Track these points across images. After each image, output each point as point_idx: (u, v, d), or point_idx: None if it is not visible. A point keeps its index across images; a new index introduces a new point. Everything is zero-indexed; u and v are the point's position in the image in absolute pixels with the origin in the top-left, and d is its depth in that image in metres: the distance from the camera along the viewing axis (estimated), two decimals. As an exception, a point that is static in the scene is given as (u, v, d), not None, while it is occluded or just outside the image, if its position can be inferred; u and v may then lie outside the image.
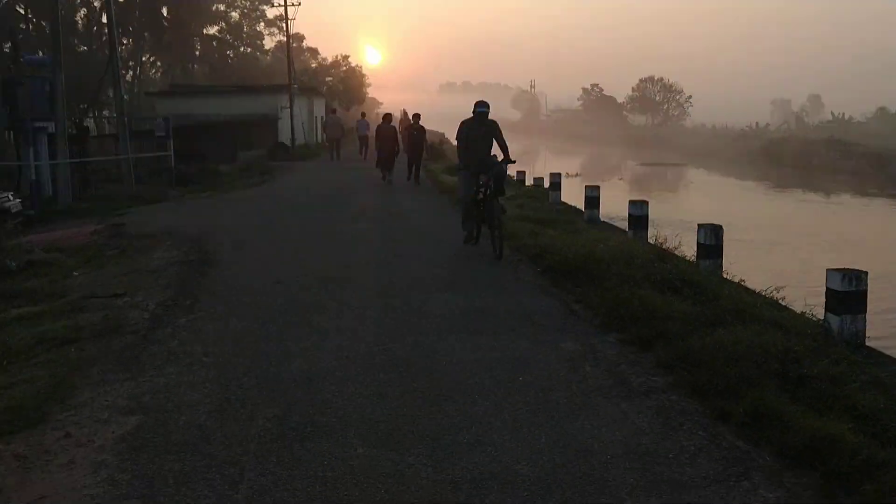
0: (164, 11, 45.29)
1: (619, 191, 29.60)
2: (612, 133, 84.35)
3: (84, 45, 43.44)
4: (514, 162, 10.59)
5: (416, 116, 20.20)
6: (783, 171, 46.50)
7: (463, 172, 10.19)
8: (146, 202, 18.44)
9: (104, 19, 47.19)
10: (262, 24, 71.14)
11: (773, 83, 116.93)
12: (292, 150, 31.07)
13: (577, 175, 38.96)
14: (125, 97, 23.78)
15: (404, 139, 20.99)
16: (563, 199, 16.93)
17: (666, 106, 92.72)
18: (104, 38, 46.70)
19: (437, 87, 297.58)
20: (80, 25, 40.06)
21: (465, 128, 9.86)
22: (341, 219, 13.82)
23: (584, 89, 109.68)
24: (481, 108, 9.74)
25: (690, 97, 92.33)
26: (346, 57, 66.26)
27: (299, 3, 33.25)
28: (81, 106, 26.38)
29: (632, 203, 11.10)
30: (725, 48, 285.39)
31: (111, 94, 28.17)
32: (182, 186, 21.54)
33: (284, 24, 34.11)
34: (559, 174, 17.62)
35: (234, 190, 20.29)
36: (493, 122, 10.01)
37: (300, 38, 73.58)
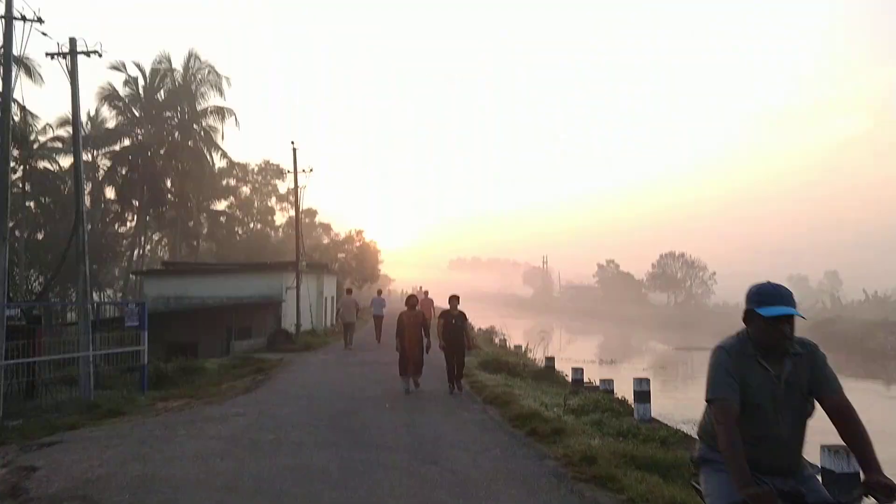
0: (169, 184, 43.05)
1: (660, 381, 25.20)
2: (631, 311, 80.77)
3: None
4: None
5: (454, 299, 15.82)
6: (838, 357, 42.21)
7: None
8: (102, 415, 13.96)
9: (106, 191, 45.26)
10: (274, 198, 70.21)
11: (789, 259, 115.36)
12: (296, 339, 26.90)
13: (611, 361, 34.78)
14: (130, 277, 20.06)
15: (439, 330, 16.12)
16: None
17: (689, 283, 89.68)
18: (102, 209, 44.80)
19: (448, 263, 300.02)
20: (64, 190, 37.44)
21: None
22: (350, 470, 9.06)
23: (600, 265, 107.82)
24: None
25: (714, 273, 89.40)
26: (360, 232, 64.20)
27: (311, 170, 30.77)
28: (44, 282, 22.65)
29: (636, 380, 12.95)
30: (739, 222, 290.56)
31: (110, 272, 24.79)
32: (156, 390, 17.20)
33: (294, 191, 31.36)
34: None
35: (214, 399, 15.77)
36: None
37: (312, 213, 72.31)
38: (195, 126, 44.91)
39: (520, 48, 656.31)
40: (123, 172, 41.86)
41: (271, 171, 69.90)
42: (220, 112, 46.22)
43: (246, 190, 69.51)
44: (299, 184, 30.47)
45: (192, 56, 44.90)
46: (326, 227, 71.98)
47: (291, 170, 31.56)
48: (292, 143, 29.93)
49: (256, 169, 69.28)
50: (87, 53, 15.26)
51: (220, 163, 48.73)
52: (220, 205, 59.77)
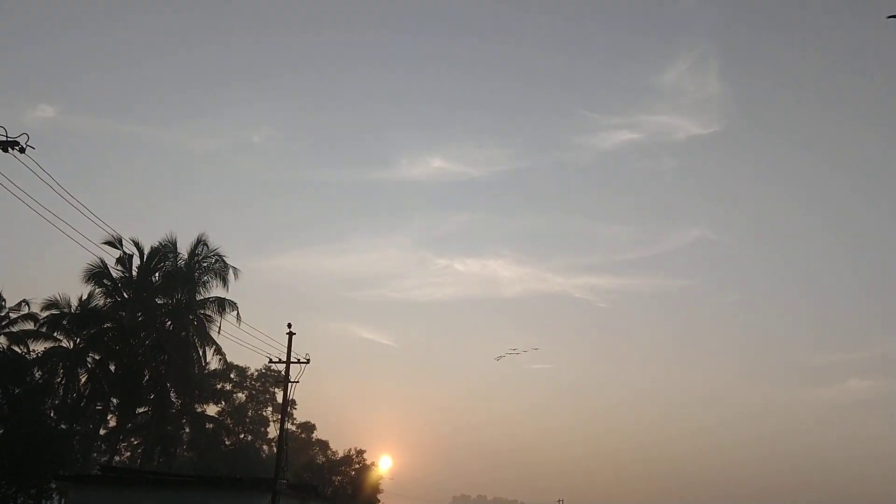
0: (149, 378, 37.55)
1: None
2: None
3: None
4: None
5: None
6: None
7: None
8: None
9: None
10: (271, 408, 63.90)
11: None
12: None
13: None
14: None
15: None
16: None
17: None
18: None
19: (451, 499, 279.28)
20: None
21: None
22: None
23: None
24: None
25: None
26: (361, 451, 56.92)
27: (308, 360, 25.58)
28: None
29: None
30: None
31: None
32: None
33: (284, 386, 25.89)
34: None
35: None
36: None
37: (309, 427, 65.51)
38: (190, 316, 40.46)
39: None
40: (98, 359, 36.70)
41: (272, 377, 64.43)
42: (221, 304, 41.99)
43: (241, 396, 63.58)
44: (292, 378, 25.14)
45: (199, 242, 41.70)
46: (324, 445, 64.72)
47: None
48: (289, 325, 25.21)
49: (256, 374, 63.98)
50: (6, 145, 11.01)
51: (213, 361, 43.52)
52: (209, 409, 53.62)
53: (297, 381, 24.83)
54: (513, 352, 59.55)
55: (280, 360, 25.49)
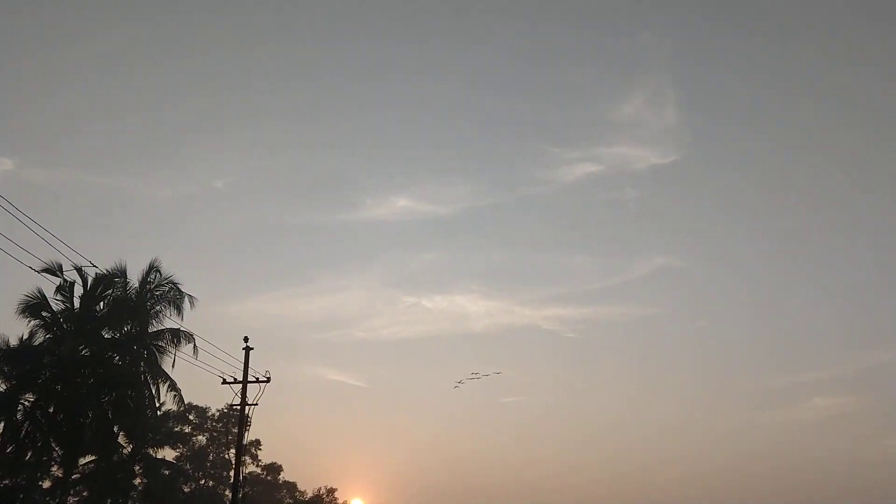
0: (92, 416, 33.44)
1: None
2: None
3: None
4: None
5: None
6: None
7: None
8: None
9: None
10: (233, 450, 59.53)
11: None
12: None
13: None
14: None
15: None
16: None
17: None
18: None
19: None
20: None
21: None
22: None
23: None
24: None
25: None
26: (331, 490, 52.86)
27: (268, 379, 22.29)
28: None
29: None
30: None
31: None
32: None
33: (241, 408, 22.51)
34: None
35: None
36: None
37: (276, 469, 61.19)
38: (141, 349, 36.62)
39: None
40: (34, 401, 32.58)
41: (235, 416, 60.19)
42: (176, 335, 38.21)
43: (202, 439, 59.13)
44: (250, 399, 21.72)
45: (152, 268, 38.01)
46: (291, 486, 60.43)
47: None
48: (245, 339, 21.90)
49: (217, 414, 59.66)
50: None
51: (168, 399, 39.54)
52: (166, 454, 49.23)
53: (256, 404, 21.46)
54: (474, 376, 56.29)
55: (235, 379, 22.12)
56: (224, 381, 22.51)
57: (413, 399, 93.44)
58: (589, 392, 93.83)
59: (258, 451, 59.68)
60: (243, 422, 22.21)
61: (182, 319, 39.29)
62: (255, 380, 21.76)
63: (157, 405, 40.61)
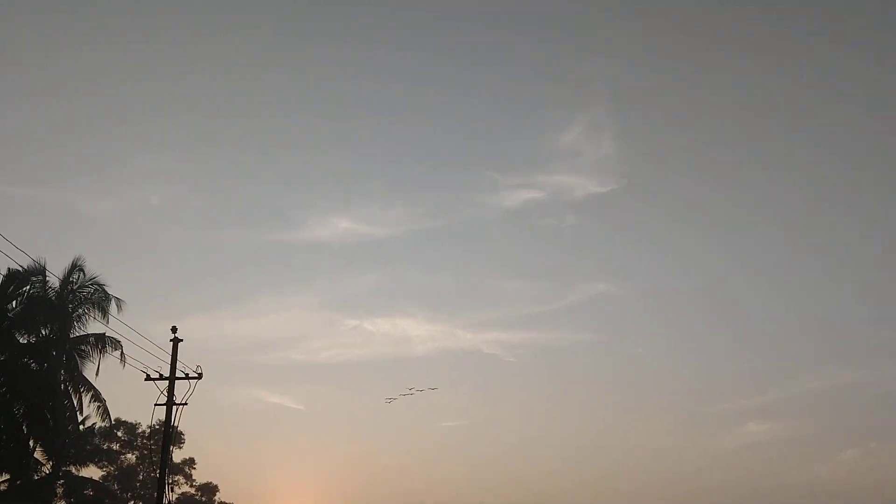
0: (4, 429, 30.03)
1: None
2: None
3: None
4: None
5: None
6: None
7: None
8: None
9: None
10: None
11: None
12: None
13: None
14: None
15: None
16: None
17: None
18: None
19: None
20: None
21: None
22: None
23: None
24: None
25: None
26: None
27: (199, 376, 19.83)
28: None
29: None
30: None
31: None
32: None
33: (167, 408, 19.89)
34: None
35: None
36: None
37: (212, 488, 57.56)
38: (59, 354, 33.45)
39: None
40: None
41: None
42: (101, 340, 35.16)
43: (131, 457, 55.21)
44: (178, 400, 19.25)
45: (74, 267, 34.90)
46: None
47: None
48: (173, 329, 19.46)
49: (148, 431, 55.83)
50: None
51: (91, 410, 36.28)
52: (91, 472, 45.34)
53: (185, 403, 19.03)
54: (409, 392, 54.05)
55: (161, 375, 19.64)
56: (148, 378, 19.86)
57: (352, 422, 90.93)
58: (527, 416, 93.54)
59: (192, 471, 56.05)
60: (169, 422, 19.66)
61: (108, 324, 36.30)
62: (184, 376, 19.28)
63: (80, 418, 37.29)
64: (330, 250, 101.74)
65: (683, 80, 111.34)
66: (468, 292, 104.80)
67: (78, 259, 34.61)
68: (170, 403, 18.90)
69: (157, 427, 56.47)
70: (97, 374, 35.00)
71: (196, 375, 19.33)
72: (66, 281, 34.73)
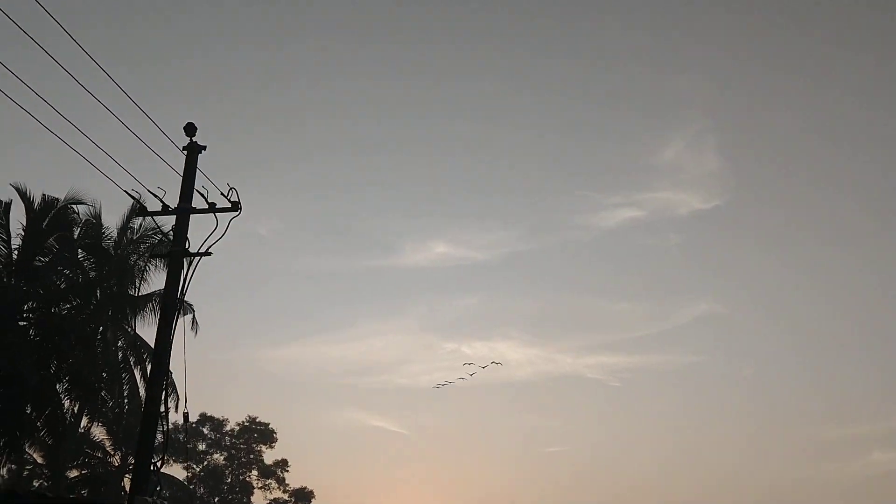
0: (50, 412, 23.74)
1: None
2: None
3: None
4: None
5: None
6: None
7: None
8: None
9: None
10: (255, 471, 49.52)
11: None
12: None
13: None
14: None
15: None
16: None
17: None
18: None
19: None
20: None
21: None
22: None
23: None
24: None
25: None
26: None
27: (234, 207, 11.94)
28: None
29: None
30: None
31: None
32: None
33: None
34: None
35: None
36: None
37: (307, 494, 50.73)
38: (115, 314, 27.37)
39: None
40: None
41: (257, 432, 50.47)
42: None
43: (219, 457, 49.49)
44: (195, 245, 11.66)
45: (135, 209, 28.93)
46: None
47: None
48: (188, 127, 11.92)
49: (237, 429, 50.03)
50: None
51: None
52: (172, 469, 39.24)
53: (209, 253, 11.44)
54: (467, 375, 45.16)
55: (166, 206, 11.67)
56: (141, 211, 11.77)
57: (456, 447, 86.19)
58: (635, 442, 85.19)
59: (284, 474, 49.62)
60: (178, 280, 11.41)
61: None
62: (207, 207, 11.66)
63: (144, 397, 31.07)
64: (427, 275, 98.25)
65: (784, 88, 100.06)
66: (568, 315, 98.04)
67: (140, 198, 28.49)
68: (178, 251, 11.29)
69: (248, 424, 50.78)
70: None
71: (230, 206, 11.71)
72: (124, 227, 28.79)
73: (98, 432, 33.69)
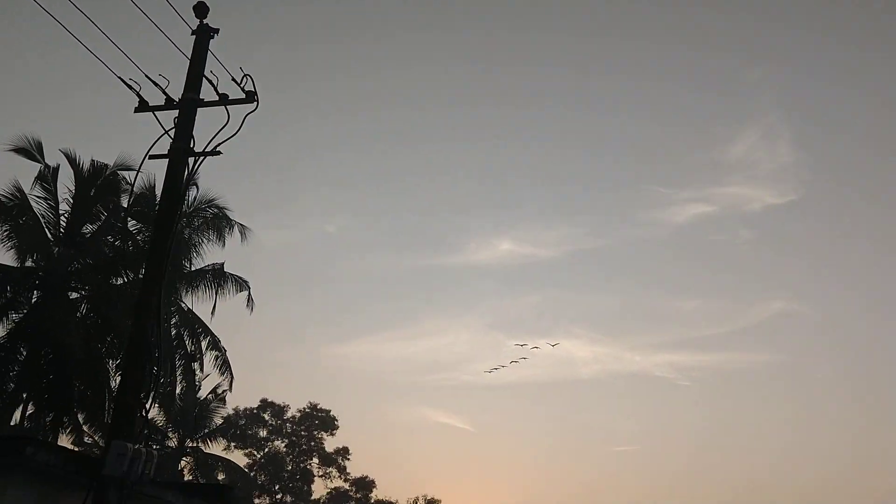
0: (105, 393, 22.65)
1: None
2: None
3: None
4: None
5: None
6: None
7: None
8: None
9: None
10: (316, 459, 48.51)
11: None
12: None
13: None
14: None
15: None
16: None
17: None
18: None
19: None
20: None
21: None
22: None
23: None
24: None
25: None
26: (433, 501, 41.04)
27: (250, 98, 10.15)
28: None
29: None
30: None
31: None
32: None
33: None
34: None
35: None
36: None
37: (368, 483, 49.47)
38: (178, 298, 26.27)
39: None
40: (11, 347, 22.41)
41: (318, 419, 49.41)
42: (220, 277, 27.84)
43: (279, 444, 48.60)
44: (201, 145, 9.94)
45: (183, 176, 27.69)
46: (367, 486, 49.03)
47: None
48: (199, 5, 10.18)
49: (297, 416, 49.06)
50: None
51: (209, 363, 28.91)
52: (218, 448, 37.89)
53: (218, 153, 9.66)
54: (519, 358, 42.14)
55: (169, 99, 9.81)
56: (140, 104, 9.90)
57: (520, 445, 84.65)
58: (708, 442, 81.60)
59: (346, 462, 48.38)
60: (181, 178, 9.31)
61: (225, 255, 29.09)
62: (218, 99, 9.91)
63: (199, 375, 30.03)
64: (493, 273, 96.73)
65: (863, 76, 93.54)
66: (636, 313, 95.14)
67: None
68: (180, 149, 9.52)
69: (309, 410, 49.77)
70: (212, 318, 27.62)
71: (244, 96, 10.00)
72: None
73: (153, 413, 32.93)
